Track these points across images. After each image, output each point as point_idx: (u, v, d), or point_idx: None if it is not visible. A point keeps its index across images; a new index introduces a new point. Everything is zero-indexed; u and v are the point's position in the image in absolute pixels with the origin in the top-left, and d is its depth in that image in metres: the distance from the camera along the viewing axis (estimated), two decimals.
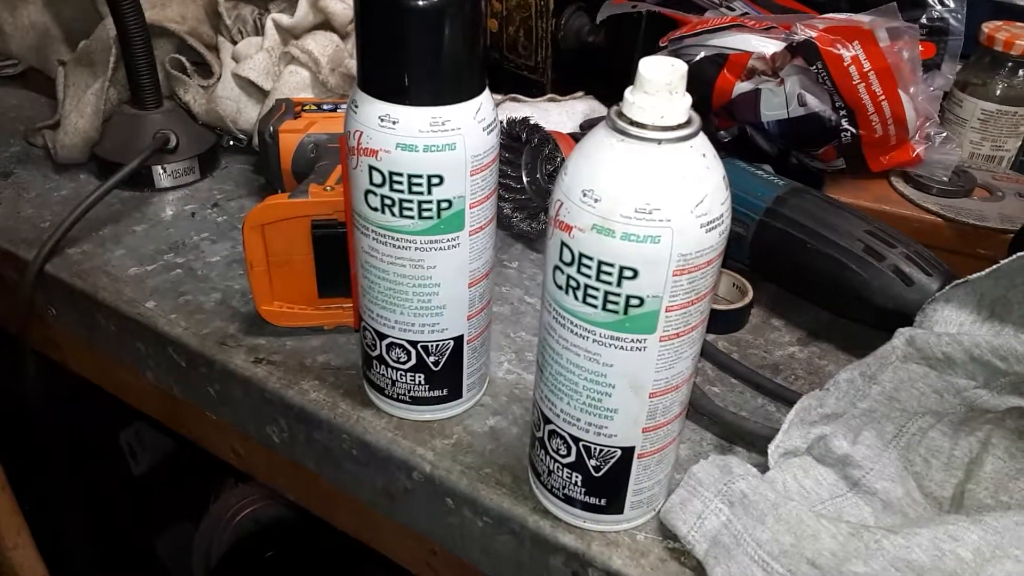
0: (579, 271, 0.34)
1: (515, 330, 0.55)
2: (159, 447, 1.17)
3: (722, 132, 0.61)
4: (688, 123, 0.33)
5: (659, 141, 0.32)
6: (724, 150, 0.61)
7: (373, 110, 0.38)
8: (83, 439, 1.10)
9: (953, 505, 0.41)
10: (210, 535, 1.13)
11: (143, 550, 1.17)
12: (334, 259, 0.49)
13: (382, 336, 0.44)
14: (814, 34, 0.54)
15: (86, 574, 1.08)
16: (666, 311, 0.34)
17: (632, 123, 0.32)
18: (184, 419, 0.60)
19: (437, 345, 0.44)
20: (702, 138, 0.33)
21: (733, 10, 0.70)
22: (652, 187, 0.32)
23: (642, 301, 0.34)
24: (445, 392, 0.46)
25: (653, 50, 0.67)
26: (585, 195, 0.33)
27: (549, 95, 0.75)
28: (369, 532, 0.53)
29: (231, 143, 0.75)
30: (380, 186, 0.39)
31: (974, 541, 0.35)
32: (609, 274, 0.33)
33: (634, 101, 0.32)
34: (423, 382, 0.45)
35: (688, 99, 0.33)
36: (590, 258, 0.33)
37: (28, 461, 0.91)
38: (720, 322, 0.55)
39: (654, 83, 0.32)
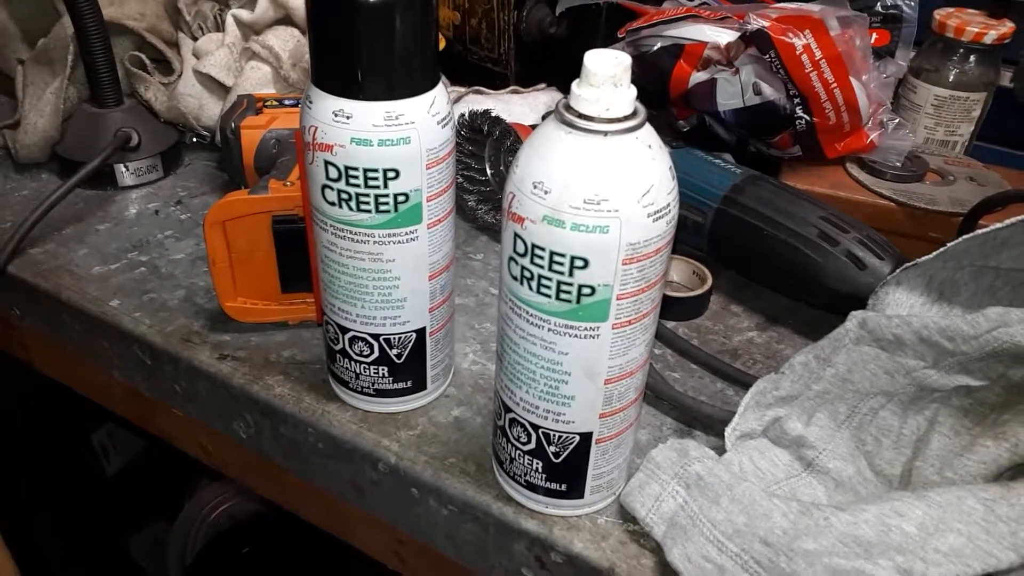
0: (532, 262, 0.35)
1: (480, 322, 0.56)
2: (132, 447, 1.16)
3: (681, 122, 0.62)
4: (634, 115, 0.33)
5: (605, 133, 0.33)
6: (683, 139, 0.62)
7: (327, 105, 0.38)
8: (54, 440, 1.09)
9: (902, 482, 0.42)
10: (185, 533, 1.13)
11: (117, 550, 1.17)
12: (296, 254, 0.49)
13: (344, 330, 0.45)
14: (766, 23, 0.55)
15: (59, 575, 1.08)
16: (617, 299, 0.35)
17: (579, 115, 0.33)
18: (152, 417, 0.60)
19: (399, 338, 0.45)
20: (648, 129, 0.34)
21: (691, 0, 0.71)
22: (600, 178, 0.33)
23: (593, 290, 0.34)
24: (409, 384, 0.47)
25: (613, 41, 0.68)
26: (536, 187, 0.34)
27: (512, 87, 0.76)
28: (338, 524, 0.54)
29: (194, 140, 0.75)
30: (336, 181, 0.39)
31: (918, 516, 0.36)
32: (561, 264, 0.34)
33: (580, 94, 0.33)
34: (387, 375, 0.46)
35: (633, 91, 0.33)
36: (542, 249, 0.34)
37: None
38: (680, 309, 0.56)
39: (599, 76, 0.32)
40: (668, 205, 0.34)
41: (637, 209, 0.33)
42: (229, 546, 1.11)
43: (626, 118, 0.33)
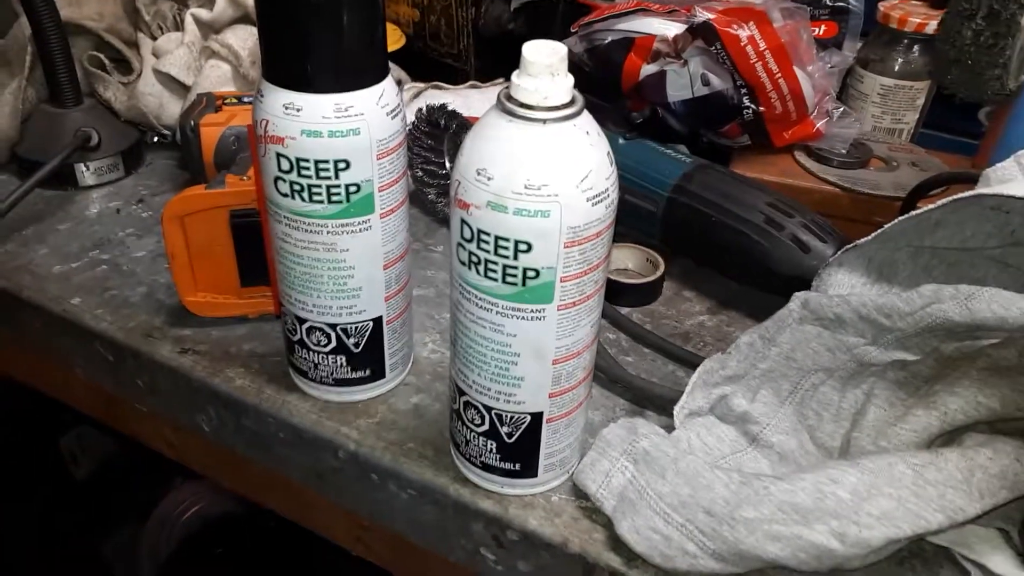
0: (479, 247, 0.36)
1: (439, 312, 0.57)
2: (100, 451, 1.16)
3: (635, 114, 0.64)
4: (572, 103, 0.35)
5: (544, 121, 0.34)
6: (638, 131, 0.63)
7: (278, 98, 0.39)
8: (22, 447, 1.09)
9: (841, 453, 0.44)
10: (157, 535, 1.13)
11: (88, 554, 1.16)
12: (254, 248, 0.50)
13: (302, 320, 0.45)
14: (712, 16, 0.57)
15: None
16: (561, 281, 0.36)
17: (519, 104, 0.34)
18: (117, 414, 0.61)
19: (356, 327, 0.46)
20: (586, 117, 0.35)
21: None
22: (540, 165, 0.34)
23: (538, 273, 0.36)
24: (368, 373, 0.48)
25: (569, 35, 0.69)
26: (479, 174, 0.35)
27: (471, 82, 0.77)
28: (302, 512, 0.55)
29: (155, 139, 0.75)
30: (288, 172, 0.40)
31: (852, 482, 0.38)
32: (506, 248, 0.35)
33: (519, 83, 0.34)
34: (345, 364, 0.47)
35: (571, 80, 0.34)
36: (487, 234, 0.35)
37: None
38: (634, 295, 0.58)
39: (536, 65, 0.34)
40: (607, 190, 0.35)
41: (576, 194, 0.34)
42: (201, 547, 1.11)
43: (564, 106, 0.34)
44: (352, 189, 0.41)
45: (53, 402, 0.65)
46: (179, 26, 0.74)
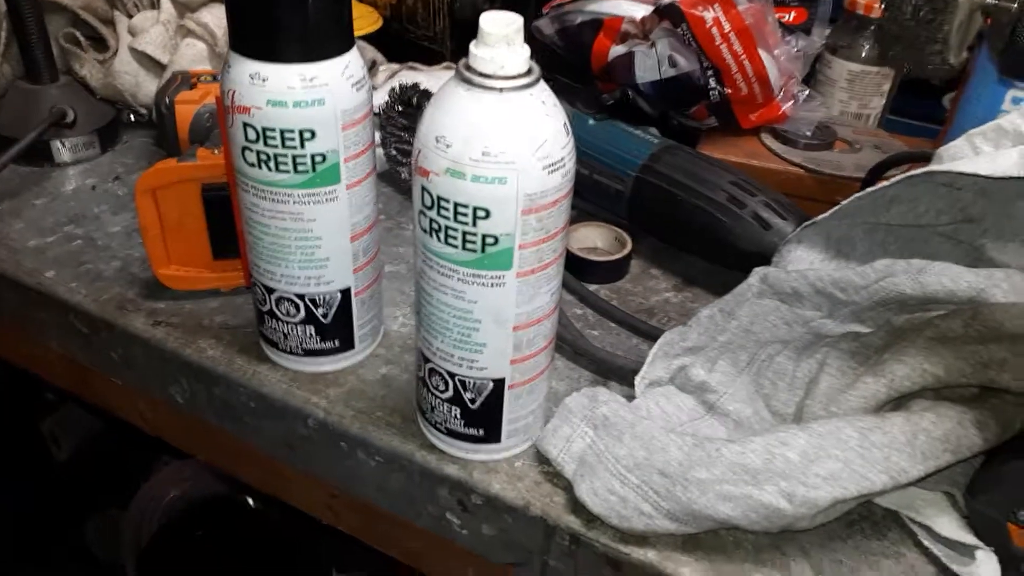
0: (439, 214, 0.37)
1: (410, 287, 0.58)
2: (82, 433, 1.16)
3: (605, 95, 0.65)
4: (528, 73, 0.36)
5: (500, 89, 0.35)
6: (608, 112, 0.64)
7: (244, 69, 0.40)
8: (2, 429, 1.09)
9: (795, 420, 0.45)
10: (139, 517, 1.13)
11: (70, 536, 1.17)
12: (226, 221, 0.51)
13: (270, 291, 0.46)
14: None
15: (10, 565, 1.08)
16: (520, 248, 0.37)
17: (477, 74, 0.35)
18: (93, 388, 0.61)
19: (324, 297, 0.47)
20: (542, 87, 0.36)
21: None
22: (496, 132, 0.35)
23: (496, 240, 0.37)
24: (337, 344, 0.49)
25: (541, 17, 0.70)
26: (438, 141, 0.36)
27: (446, 63, 0.78)
28: (273, 483, 0.56)
29: (131, 117, 0.75)
30: (255, 142, 0.41)
31: (801, 445, 0.39)
32: (464, 215, 0.36)
33: (477, 53, 0.35)
34: (314, 334, 0.48)
35: (527, 50, 0.35)
36: (447, 200, 0.36)
37: None
38: (601, 272, 0.59)
39: (493, 36, 0.35)
40: (563, 159, 0.36)
41: (533, 161, 0.35)
42: (183, 529, 1.12)
43: (520, 75, 0.35)
44: (318, 159, 0.42)
45: (34, 383, 0.66)
46: (155, 5, 0.74)
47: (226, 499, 1.14)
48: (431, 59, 0.81)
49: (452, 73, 0.75)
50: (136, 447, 1.11)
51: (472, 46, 0.35)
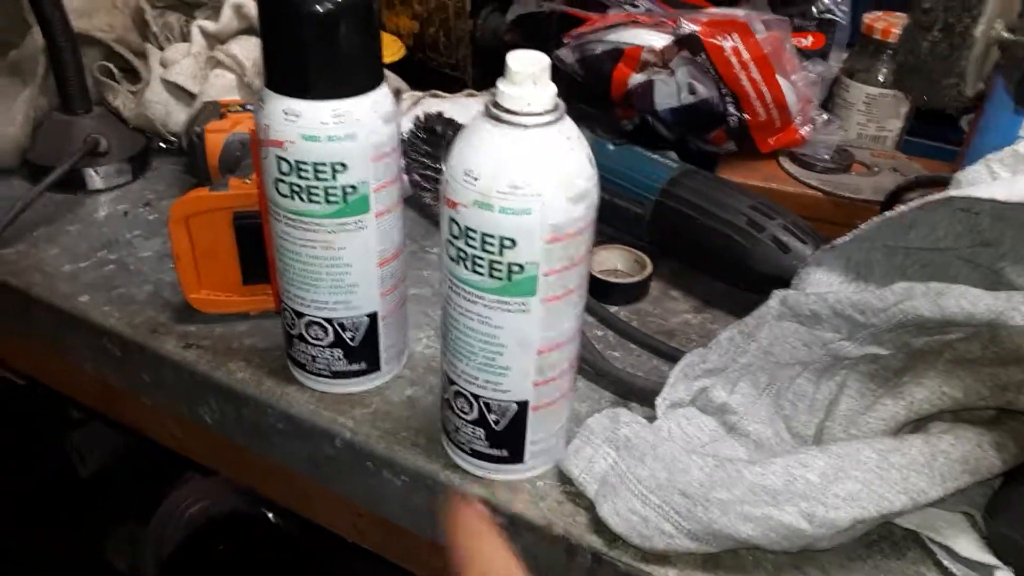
0: (466, 243, 0.38)
1: (434, 310, 0.59)
2: (105, 450, 1.18)
3: (625, 121, 0.66)
4: (553, 109, 0.37)
5: (526, 126, 0.36)
6: (628, 138, 0.66)
7: (278, 105, 0.41)
8: (26, 444, 1.11)
9: (815, 442, 0.46)
10: (160, 532, 1.15)
11: (92, 551, 1.18)
12: (256, 248, 0.52)
13: (300, 315, 0.48)
14: (697, 27, 0.59)
15: None
16: (544, 276, 0.38)
17: (504, 110, 0.37)
18: (123, 408, 0.63)
19: (352, 321, 0.48)
20: (567, 122, 0.37)
21: (636, 7, 0.75)
22: (523, 166, 0.36)
23: (522, 268, 0.38)
24: (364, 366, 0.50)
25: (561, 46, 0.71)
26: (467, 175, 0.37)
27: (467, 91, 0.80)
28: (299, 501, 0.57)
29: (162, 145, 0.78)
30: (288, 174, 0.42)
31: (820, 466, 0.40)
32: (491, 244, 0.37)
33: (504, 91, 0.36)
34: (342, 357, 0.49)
35: (553, 88, 0.37)
36: (474, 231, 0.38)
37: None
38: (622, 294, 0.60)
39: (520, 74, 0.36)
40: (587, 190, 0.38)
41: (557, 193, 0.37)
42: (204, 544, 1.13)
43: (546, 112, 0.37)
44: (348, 190, 0.43)
45: (60, 400, 0.68)
46: (186, 37, 0.77)
47: (247, 514, 1.15)
48: (453, 87, 0.83)
49: (473, 100, 0.76)
50: (158, 463, 1.13)
51: (499, 83, 0.37)
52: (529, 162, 0.36)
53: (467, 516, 0.32)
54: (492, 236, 0.37)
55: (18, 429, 1.08)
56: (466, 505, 0.32)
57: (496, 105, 0.37)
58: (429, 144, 0.69)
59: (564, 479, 0.45)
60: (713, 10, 0.63)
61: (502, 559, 0.30)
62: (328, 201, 0.43)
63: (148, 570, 1.13)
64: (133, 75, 0.76)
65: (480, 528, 0.32)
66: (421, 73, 0.86)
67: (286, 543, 1.11)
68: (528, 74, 0.36)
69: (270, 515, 1.13)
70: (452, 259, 0.39)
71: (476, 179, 0.37)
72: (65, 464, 1.13)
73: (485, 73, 0.84)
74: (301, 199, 0.43)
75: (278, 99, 0.41)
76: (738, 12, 0.61)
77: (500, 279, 0.38)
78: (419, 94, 0.79)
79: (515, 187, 0.36)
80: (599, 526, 0.42)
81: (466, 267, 0.39)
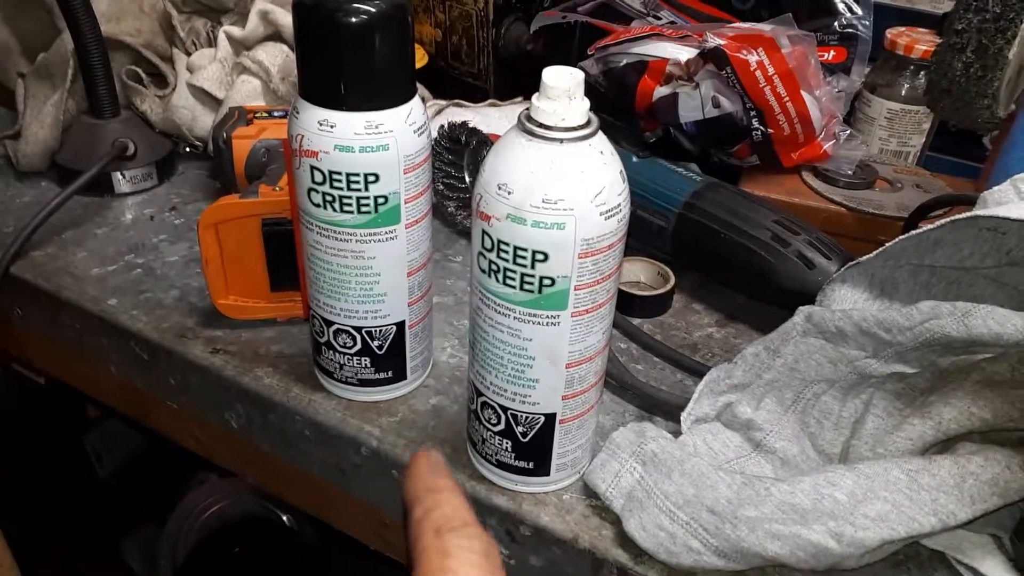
0: (498, 256, 0.38)
1: (458, 319, 0.59)
2: (125, 450, 1.19)
3: (648, 133, 0.66)
4: (587, 124, 0.37)
5: (561, 140, 0.36)
6: (650, 150, 0.66)
7: (312, 115, 0.42)
8: (46, 444, 1.12)
9: (840, 460, 0.46)
10: (176, 534, 1.16)
11: (108, 552, 1.19)
12: (283, 254, 0.53)
13: (329, 323, 0.48)
14: (723, 42, 0.59)
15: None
16: (575, 289, 0.39)
17: (538, 125, 0.37)
18: (147, 411, 0.64)
19: (380, 330, 0.48)
20: (600, 137, 0.38)
21: (659, 19, 0.75)
22: (556, 181, 0.36)
23: (553, 281, 0.38)
24: (390, 374, 0.50)
25: (585, 58, 0.72)
26: (500, 188, 0.37)
27: (490, 100, 0.80)
28: (323, 507, 0.57)
29: (187, 150, 0.78)
30: (321, 184, 0.43)
31: (849, 485, 0.40)
32: (524, 258, 0.38)
33: (539, 106, 0.37)
34: (369, 365, 0.49)
35: (586, 103, 0.37)
36: (507, 244, 0.38)
37: None
38: (645, 307, 0.60)
39: (555, 90, 0.36)
40: (619, 205, 0.38)
41: (590, 208, 0.37)
42: (219, 547, 1.13)
43: (580, 127, 0.37)
44: (380, 201, 0.43)
45: (78, 400, 0.68)
46: (212, 42, 0.77)
47: (262, 517, 1.15)
48: (474, 96, 0.83)
49: (496, 110, 0.77)
50: (175, 465, 1.13)
51: (534, 99, 0.37)
52: (563, 177, 0.36)
53: (423, 468, 0.32)
54: (524, 249, 0.37)
55: (36, 428, 1.08)
56: (423, 457, 0.32)
57: (530, 119, 0.37)
58: (452, 153, 0.69)
59: (589, 492, 0.45)
60: (739, 24, 0.63)
61: (459, 512, 0.30)
62: (360, 211, 0.43)
63: (164, 572, 1.14)
64: (160, 79, 0.77)
65: (437, 482, 0.31)
66: (442, 81, 0.87)
67: (300, 546, 1.12)
68: (563, 89, 0.36)
69: (284, 518, 1.13)
70: (483, 271, 0.40)
71: (510, 193, 0.37)
72: (84, 463, 1.14)
73: (507, 83, 0.85)
74: (333, 209, 0.43)
75: (313, 109, 0.42)
76: (764, 27, 0.61)
77: (531, 292, 0.39)
78: (442, 103, 0.80)
79: (549, 202, 0.36)
80: (625, 541, 0.42)
81: (497, 279, 0.39)
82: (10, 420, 1.05)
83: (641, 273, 0.63)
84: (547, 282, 0.38)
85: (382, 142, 0.42)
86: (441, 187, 0.69)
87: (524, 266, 0.38)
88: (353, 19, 0.40)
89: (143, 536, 1.18)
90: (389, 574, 0.57)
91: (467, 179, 0.69)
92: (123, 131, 0.72)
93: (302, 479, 0.55)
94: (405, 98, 0.43)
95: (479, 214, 0.39)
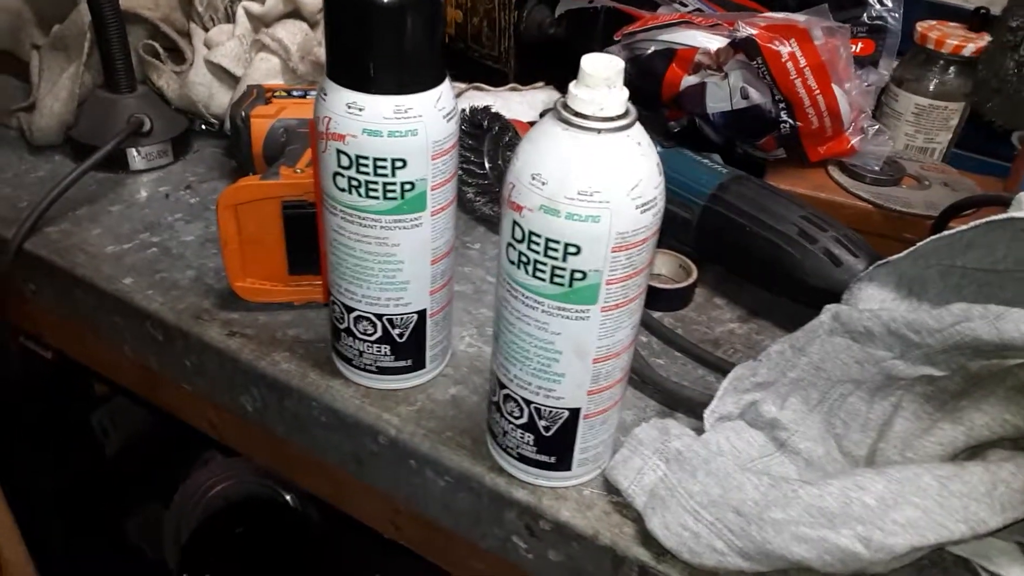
0: (529, 247, 0.38)
1: (476, 307, 0.59)
2: (132, 427, 1.19)
3: (672, 123, 0.65)
4: (625, 114, 0.36)
5: (599, 131, 0.36)
6: (674, 140, 0.65)
7: (341, 98, 0.41)
8: (53, 420, 1.12)
9: (867, 462, 0.45)
10: (180, 513, 1.16)
11: (115, 530, 1.19)
12: (303, 238, 0.52)
13: (350, 309, 0.47)
14: (755, 31, 0.58)
15: (57, 554, 1.10)
16: (607, 284, 0.38)
17: (575, 114, 0.36)
18: (161, 392, 0.63)
19: (401, 318, 0.48)
20: (638, 128, 0.37)
21: (686, 6, 0.74)
22: (593, 172, 0.36)
23: (585, 275, 0.37)
24: (409, 363, 0.50)
25: (610, 43, 0.71)
26: (534, 178, 0.36)
27: (511, 84, 0.79)
28: (337, 494, 0.57)
29: (203, 127, 0.77)
30: (347, 168, 0.42)
31: (879, 490, 0.39)
32: (555, 250, 0.37)
33: (577, 94, 0.36)
34: (389, 353, 0.49)
35: (625, 92, 0.36)
36: (538, 235, 0.37)
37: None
38: (666, 300, 0.59)
39: (594, 78, 0.35)
40: (655, 198, 0.37)
41: (626, 201, 0.36)
42: (223, 526, 1.13)
43: (618, 117, 0.36)
44: (407, 187, 0.43)
45: (86, 377, 0.68)
46: (231, 18, 0.76)
47: (267, 498, 1.15)
48: (494, 79, 0.82)
49: (517, 95, 0.75)
50: (181, 443, 1.13)
51: (572, 86, 0.36)
52: (600, 168, 0.36)
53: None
54: (557, 242, 0.37)
55: (44, 404, 1.08)
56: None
57: (567, 108, 0.36)
58: (472, 138, 0.68)
59: (611, 488, 0.45)
60: (771, 14, 0.62)
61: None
62: (386, 197, 0.43)
63: (169, 550, 1.14)
64: (177, 55, 0.76)
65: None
66: (462, 64, 0.86)
67: (306, 527, 1.12)
68: (602, 78, 0.35)
69: (288, 497, 1.13)
70: (512, 263, 0.39)
71: (544, 183, 0.36)
72: (90, 440, 1.14)
73: (528, 67, 0.83)
74: (359, 194, 0.43)
75: (341, 91, 0.41)
76: (798, 18, 0.60)
77: (562, 285, 0.38)
78: (462, 86, 0.78)
79: (584, 194, 0.35)
80: (646, 538, 0.42)
81: (527, 271, 0.38)
82: (17, 395, 1.05)
83: (663, 266, 0.62)
84: (578, 275, 0.37)
85: (411, 127, 0.41)
86: (460, 173, 0.68)
87: (555, 259, 0.37)
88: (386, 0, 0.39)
89: (148, 514, 1.18)
90: (394, 551, 0.57)
91: (487, 165, 0.68)
92: (139, 107, 0.71)
93: (316, 465, 0.55)
94: (435, 82, 0.42)
95: (510, 204, 0.38)
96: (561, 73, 0.83)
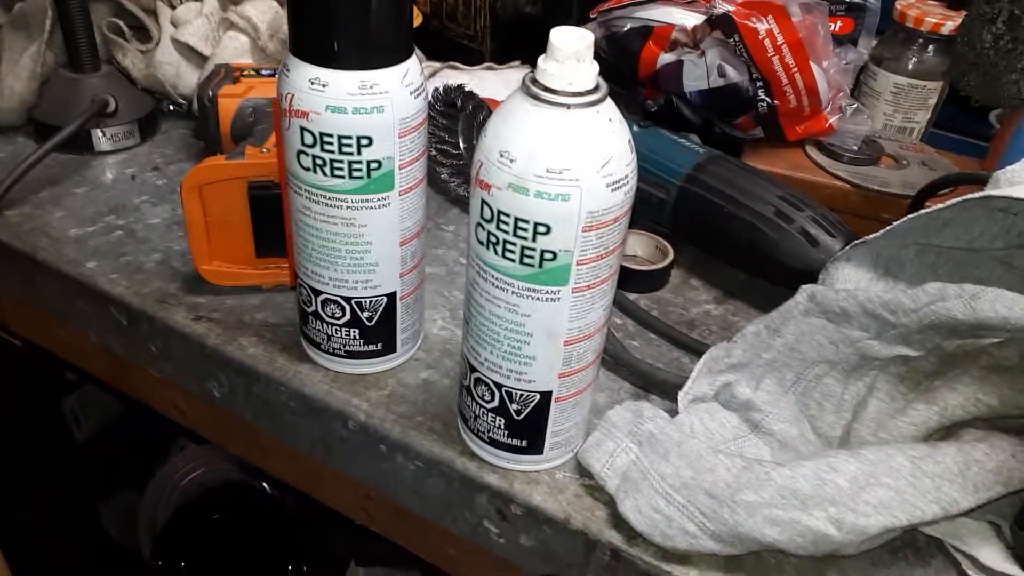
0: (498, 227, 0.37)
1: (449, 290, 0.58)
2: (103, 414, 1.17)
3: (649, 102, 0.64)
4: (596, 89, 0.35)
5: (568, 106, 0.35)
6: (651, 119, 0.64)
7: (304, 73, 0.40)
8: (23, 406, 1.10)
9: (841, 443, 0.45)
10: (155, 501, 1.14)
11: (88, 518, 1.18)
12: (270, 219, 0.51)
13: (317, 292, 0.46)
14: (731, 8, 0.57)
15: (28, 543, 1.09)
16: (577, 264, 0.37)
17: (544, 89, 0.35)
18: (128, 378, 0.62)
19: (370, 301, 0.46)
20: (609, 103, 0.36)
21: None
22: (562, 149, 0.35)
23: (555, 255, 0.36)
24: (380, 346, 0.49)
25: (587, 21, 0.69)
26: (502, 156, 0.35)
27: (487, 64, 0.77)
28: (307, 480, 0.56)
29: (171, 108, 0.75)
30: (311, 146, 0.41)
31: (851, 471, 0.39)
32: (525, 230, 0.36)
33: (546, 68, 0.35)
34: (358, 337, 0.48)
35: (595, 67, 0.35)
36: (507, 215, 0.36)
37: None
38: (642, 282, 0.58)
39: (563, 51, 0.34)
40: (626, 176, 0.36)
41: (597, 179, 0.35)
42: (199, 513, 1.12)
43: (588, 92, 0.35)
44: (373, 166, 0.41)
45: (56, 363, 0.66)
46: None
47: (242, 484, 1.14)
48: (470, 58, 0.81)
49: (492, 73, 0.74)
50: (154, 430, 1.12)
51: (540, 61, 0.35)
52: (569, 145, 0.35)
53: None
54: (526, 221, 0.36)
55: (14, 390, 1.06)
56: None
57: (535, 83, 0.35)
58: (447, 118, 0.67)
59: (583, 472, 0.44)
60: None
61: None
62: (352, 176, 0.41)
63: (143, 538, 1.13)
64: (143, 33, 0.74)
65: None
66: (437, 43, 0.84)
67: (281, 513, 1.11)
68: (571, 51, 0.34)
69: (264, 485, 1.12)
70: (481, 243, 0.38)
71: (512, 161, 0.35)
72: (61, 427, 1.12)
73: (504, 46, 0.82)
74: (324, 173, 0.41)
75: (304, 67, 0.40)
76: None
77: (531, 266, 0.37)
78: (437, 65, 0.77)
79: (553, 171, 0.35)
80: (619, 521, 0.41)
81: (496, 252, 0.37)
82: None
83: (639, 247, 0.61)
84: (548, 256, 0.36)
85: (377, 103, 0.40)
86: (434, 153, 0.67)
87: (525, 239, 0.36)
88: None
89: (122, 501, 1.17)
90: (370, 537, 0.56)
91: (462, 145, 0.67)
92: (104, 86, 0.69)
93: (285, 451, 0.54)
94: (402, 57, 0.41)
95: (478, 183, 0.37)
96: (537, 52, 0.83)
